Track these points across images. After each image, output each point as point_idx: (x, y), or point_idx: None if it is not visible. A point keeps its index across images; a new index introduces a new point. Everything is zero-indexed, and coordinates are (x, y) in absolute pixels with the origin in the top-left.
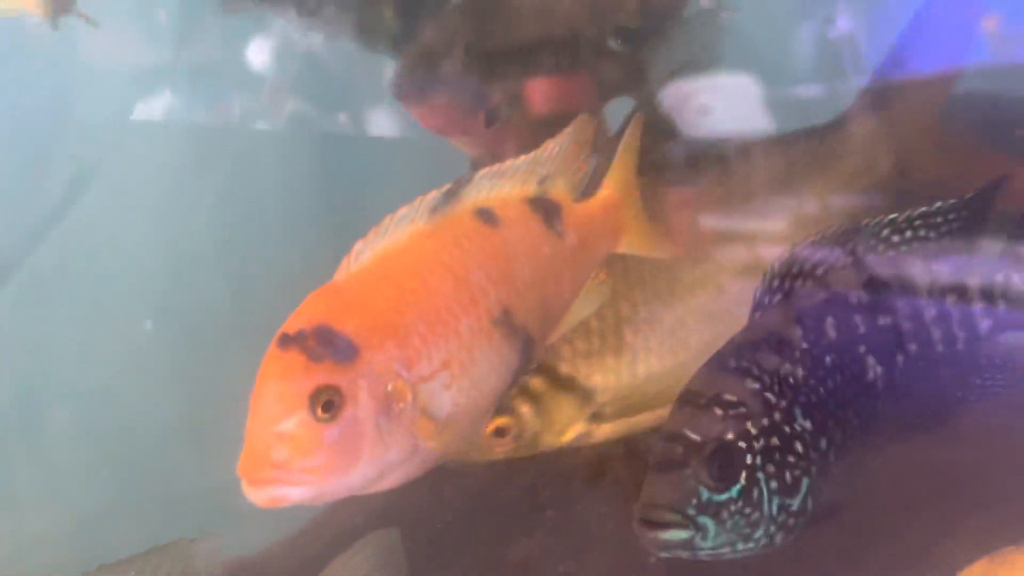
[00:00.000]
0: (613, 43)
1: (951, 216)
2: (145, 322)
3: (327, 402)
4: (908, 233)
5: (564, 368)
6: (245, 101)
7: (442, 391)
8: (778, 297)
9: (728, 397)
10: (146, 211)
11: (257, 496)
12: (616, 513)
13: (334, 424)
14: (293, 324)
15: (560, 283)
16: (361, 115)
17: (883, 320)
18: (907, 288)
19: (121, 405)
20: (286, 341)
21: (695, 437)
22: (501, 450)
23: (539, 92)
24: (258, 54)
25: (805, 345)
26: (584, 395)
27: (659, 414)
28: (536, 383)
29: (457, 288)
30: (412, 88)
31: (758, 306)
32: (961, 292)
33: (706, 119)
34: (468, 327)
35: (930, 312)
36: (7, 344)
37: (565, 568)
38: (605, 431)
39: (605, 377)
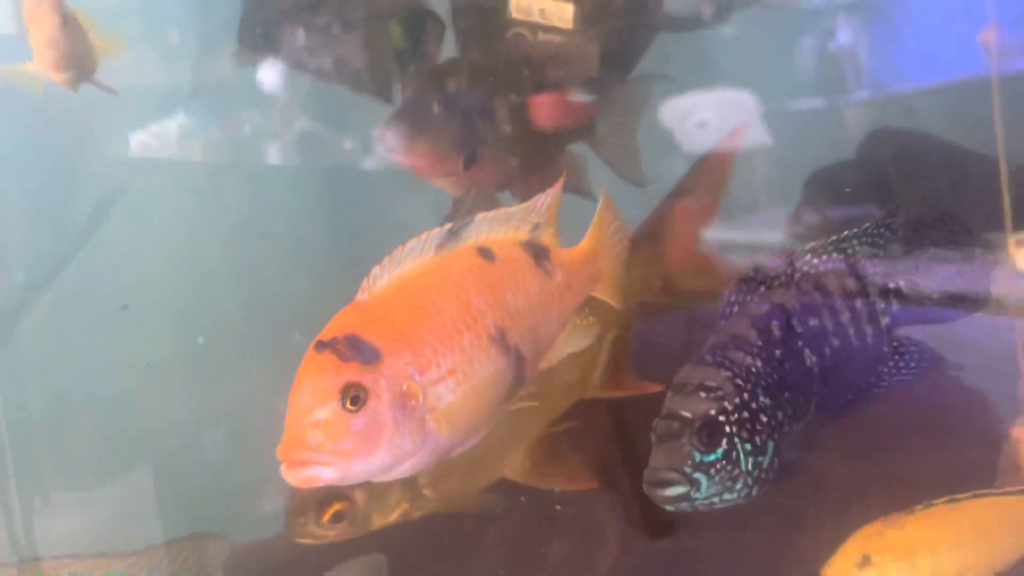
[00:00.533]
0: (575, 92)
1: (859, 239)
2: (197, 338)
3: (354, 396)
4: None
5: None
6: (256, 120)
7: (448, 394)
8: (736, 308)
9: (709, 383)
10: (165, 234)
11: (293, 477)
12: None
13: (360, 415)
14: (327, 333)
15: (548, 314)
16: (368, 135)
17: (813, 321)
18: (828, 296)
19: (142, 411)
20: (322, 346)
21: (687, 415)
22: (334, 535)
23: (542, 108)
24: (269, 75)
25: (760, 343)
26: (408, 479)
27: (472, 486)
28: None
29: (461, 310)
30: (400, 138)
31: (723, 316)
32: (867, 297)
33: (705, 134)
34: (470, 343)
35: (846, 314)
36: (39, 354)
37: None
38: (425, 507)
39: None
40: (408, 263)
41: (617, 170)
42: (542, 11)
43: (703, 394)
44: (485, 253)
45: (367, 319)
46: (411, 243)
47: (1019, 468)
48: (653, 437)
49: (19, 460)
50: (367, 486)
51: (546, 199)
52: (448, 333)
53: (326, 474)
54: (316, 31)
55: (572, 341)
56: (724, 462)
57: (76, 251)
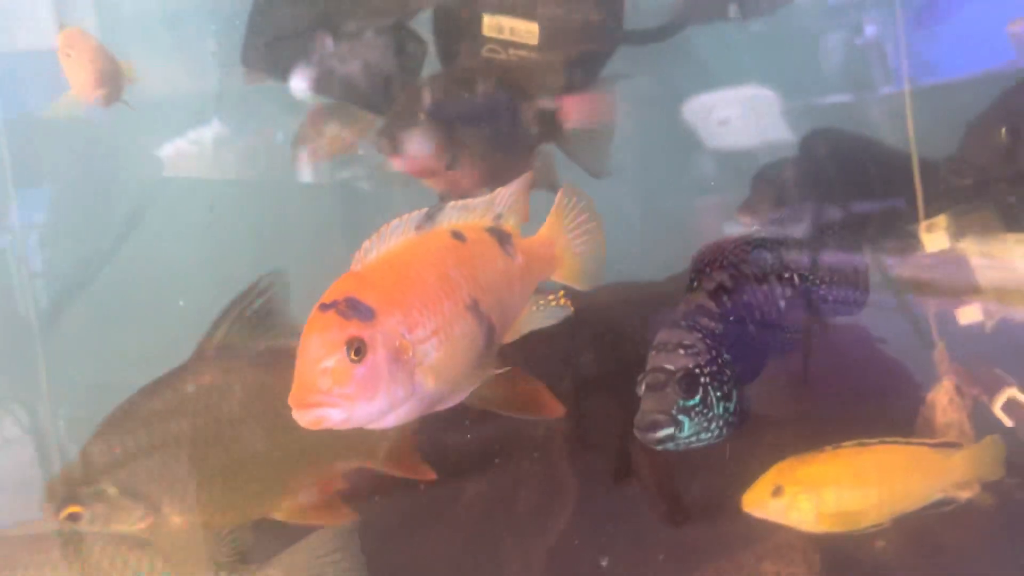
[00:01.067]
0: (542, 99)
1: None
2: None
3: (357, 348)
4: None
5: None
6: (289, 126)
7: (432, 352)
8: (695, 284)
9: (686, 342)
10: (192, 238)
11: (304, 418)
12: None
13: (362, 364)
14: (329, 296)
15: (511, 291)
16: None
17: (745, 298)
18: (751, 280)
19: None
20: (325, 307)
21: (670, 367)
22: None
23: (573, 106)
24: (300, 81)
25: (718, 311)
26: (151, 504)
27: (231, 522)
28: (111, 491)
29: (440, 280)
30: (392, 143)
31: (686, 291)
32: (771, 284)
33: (727, 130)
34: (449, 308)
35: (760, 295)
36: (83, 345)
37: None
38: (166, 525)
39: (171, 485)
40: (393, 239)
41: (580, 165)
42: (511, 30)
43: (681, 351)
44: (457, 235)
45: (362, 284)
46: (394, 223)
47: (933, 429)
48: (641, 389)
49: (65, 447)
50: (105, 502)
51: (506, 192)
52: (431, 299)
53: (334, 415)
54: (314, 50)
55: (535, 319)
56: (701, 407)
57: (114, 253)
